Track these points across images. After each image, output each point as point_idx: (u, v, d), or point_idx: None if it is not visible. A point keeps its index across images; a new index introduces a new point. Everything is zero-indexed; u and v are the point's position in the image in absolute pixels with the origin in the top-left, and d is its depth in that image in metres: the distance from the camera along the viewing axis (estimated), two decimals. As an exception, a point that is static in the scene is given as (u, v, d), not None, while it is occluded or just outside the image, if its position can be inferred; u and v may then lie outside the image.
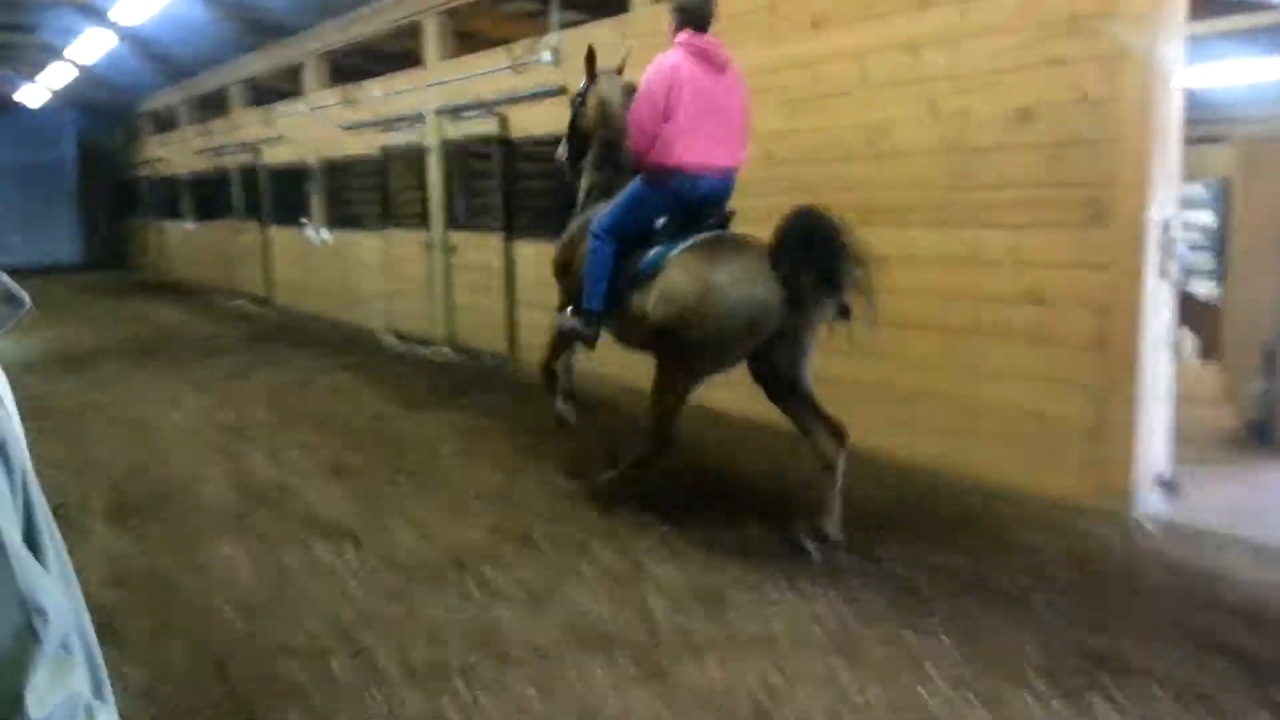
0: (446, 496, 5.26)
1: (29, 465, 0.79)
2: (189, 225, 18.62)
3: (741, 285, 4.28)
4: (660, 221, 4.82)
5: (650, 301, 4.57)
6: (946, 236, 5.35)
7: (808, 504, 4.55)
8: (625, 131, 4.96)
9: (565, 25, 8.30)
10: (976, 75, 5.14)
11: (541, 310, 7.78)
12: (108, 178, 23.16)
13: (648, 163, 4.70)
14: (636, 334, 4.83)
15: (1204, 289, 7.05)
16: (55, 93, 20.47)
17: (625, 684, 3.28)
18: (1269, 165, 6.21)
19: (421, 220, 10.50)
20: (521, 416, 6.78)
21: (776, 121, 6.24)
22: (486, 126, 9.18)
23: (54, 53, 16.50)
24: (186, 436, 6.74)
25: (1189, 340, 6.72)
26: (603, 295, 4.82)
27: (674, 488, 5.22)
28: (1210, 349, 6.77)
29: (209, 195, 17.12)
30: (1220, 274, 6.28)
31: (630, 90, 5.13)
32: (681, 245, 4.55)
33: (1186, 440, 5.02)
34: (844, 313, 4.24)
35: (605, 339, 5.11)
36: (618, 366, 6.34)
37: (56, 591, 0.74)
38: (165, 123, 19.93)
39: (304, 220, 13.30)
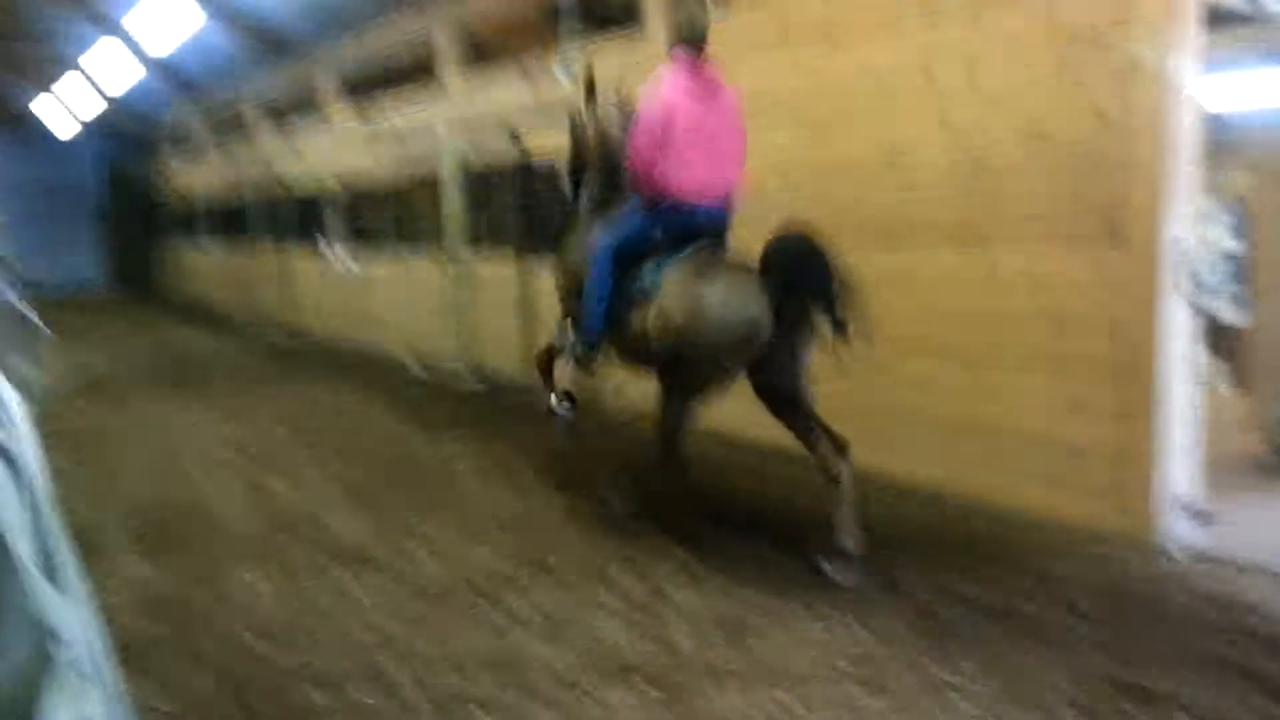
0: (466, 521, 5.27)
1: (46, 490, 0.80)
2: (211, 248, 18.81)
3: (732, 303, 4.40)
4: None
5: (647, 321, 4.71)
6: (963, 257, 5.33)
7: (827, 528, 4.53)
8: (622, 154, 5.11)
9: (581, 43, 8.33)
10: (991, 93, 5.13)
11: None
12: (131, 202, 23.43)
13: (647, 191, 4.83)
14: (635, 352, 4.98)
15: (1230, 313, 6.99)
16: (85, 123, 20.72)
17: (645, 711, 3.27)
18: (1292, 187, 6.17)
19: (440, 242, 10.54)
20: (541, 440, 6.78)
21: (791, 140, 6.26)
22: (506, 146, 9.22)
23: (66, 63, 16.66)
24: (209, 462, 6.78)
25: (1217, 366, 6.66)
26: (602, 316, 4.96)
27: (695, 514, 5.21)
28: (1239, 375, 6.71)
29: (231, 219, 17.31)
30: (1246, 298, 6.21)
31: (628, 113, 5.26)
32: (675, 265, 4.68)
33: (1213, 466, 4.97)
34: (840, 331, 4.29)
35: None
36: (640, 394, 6.34)
37: (70, 615, 0.75)
38: (188, 147, 20.16)
39: (325, 246, 13.41)
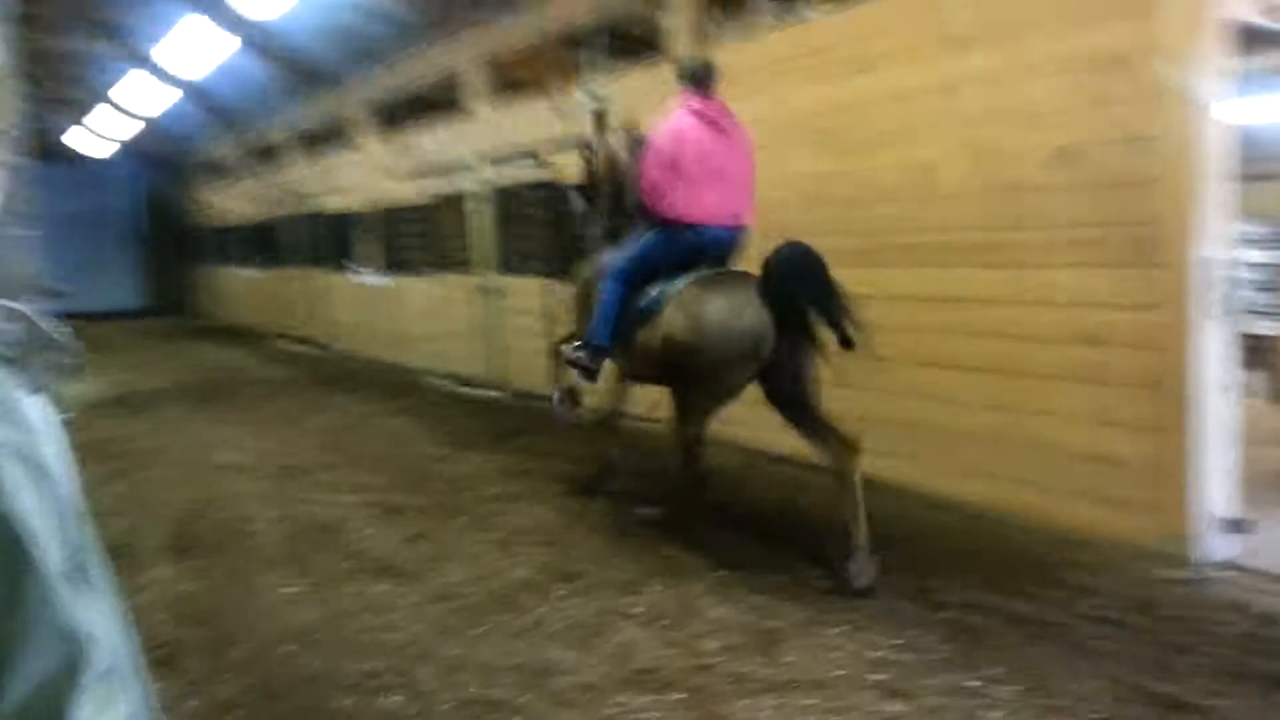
0: (497, 535, 5.29)
1: (76, 499, 0.82)
2: (246, 271, 19.07)
3: (733, 315, 4.60)
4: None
5: (654, 337, 4.91)
6: (995, 277, 5.32)
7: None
8: (631, 183, 5.34)
9: (607, 73, 8.42)
10: (1020, 115, 5.14)
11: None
12: (168, 226, 23.82)
13: (657, 216, 5.04)
14: (644, 368, 5.18)
15: (1269, 329, 6.91)
16: (121, 144, 21.14)
17: (671, 718, 3.26)
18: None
19: (470, 265, 10.67)
20: (571, 457, 6.80)
21: (820, 163, 6.29)
22: (531, 172, 9.32)
23: (108, 102, 17.04)
24: (245, 477, 6.85)
25: (1252, 379, 6.58)
26: (609, 334, 5.16)
27: (728, 529, 5.21)
28: (1274, 388, 6.63)
29: (265, 242, 17.55)
30: (1280, 312, 6.16)
31: (636, 144, 5.46)
32: (680, 283, 4.87)
33: (1248, 480, 4.90)
34: (845, 344, 4.40)
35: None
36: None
37: (100, 621, 0.76)
38: (223, 172, 20.48)
39: (355, 266, 13.57)
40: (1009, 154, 5.21)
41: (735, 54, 7.00)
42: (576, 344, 5.41)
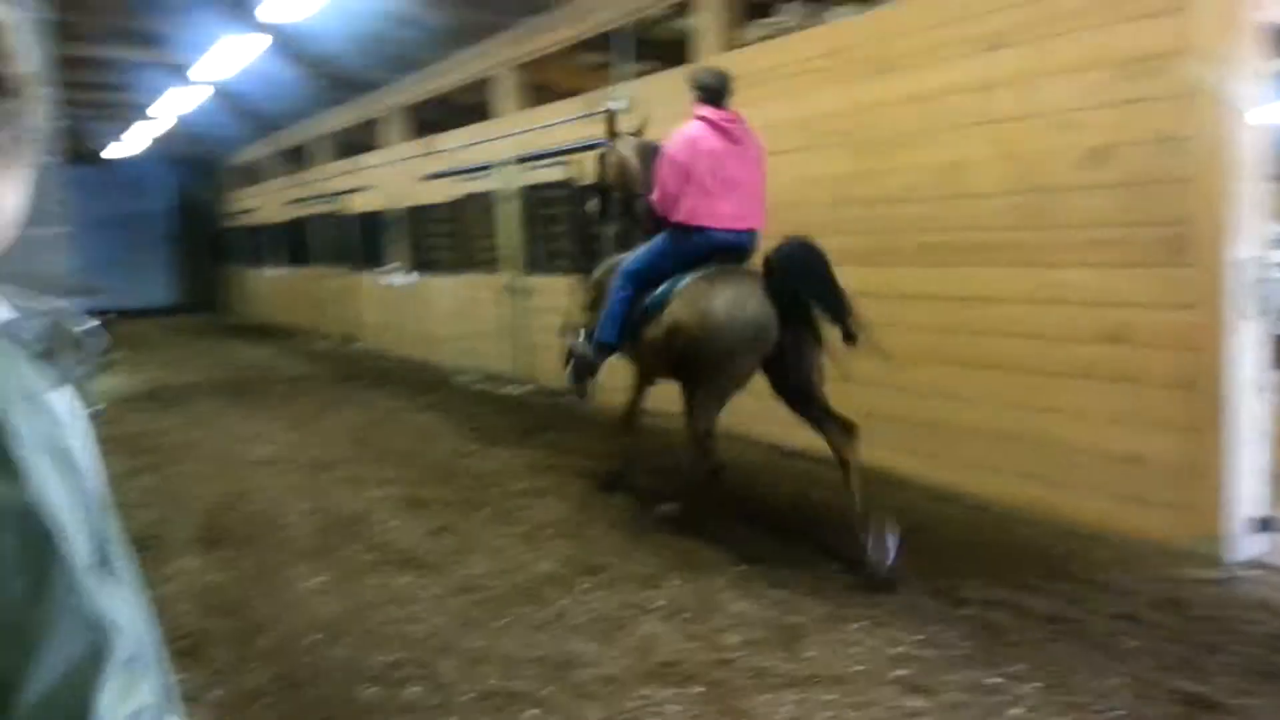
0: (521, 529, 5.32)
1: (102, 491, 0.83)
2: (277, 271, 19.25)
3: (738, 306, 4.75)
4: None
5: (661, 330, 5.06)
6: (1025, 277, 5.29)
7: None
8: (641, 188, 5.53)
9: (635, 76, 8.44)
10: (1050, 115, 5.11)
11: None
12: (200, 226, 24.12)
13: (670, 221, 5.19)
14: (652, 363, 5.37)
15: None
16: (151, 143, 21.38)
17: (692, 711, 3.27)
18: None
19: (497, 264, 10.73)
20: (596, 452, 6.82)
21: (846, 164, 6.28)
22: (559, 174, 9.36)
23: (141, 110, 17.29)
24: (273, 471, 6.92)
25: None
26: (616, 331, 5.34)
27: (748, 523, 5.22)
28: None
29: (296, 242, 17.72)
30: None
31: (645, 150, 5.66)
32: (686, 278, 5.03)
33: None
34: (848, 339, 4.55)
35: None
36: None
37: (123, 610, 0.77)
38: (255, 174, 20.70)
39: (386, 266, 13.68)
40: (1039, 154, 5.18)
41: (762, 55, 7.01)
42: (582, 337, 5.61)
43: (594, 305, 5.73)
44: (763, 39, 7.15)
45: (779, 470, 6.32)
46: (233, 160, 21.69)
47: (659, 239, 5.30)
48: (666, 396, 5.43)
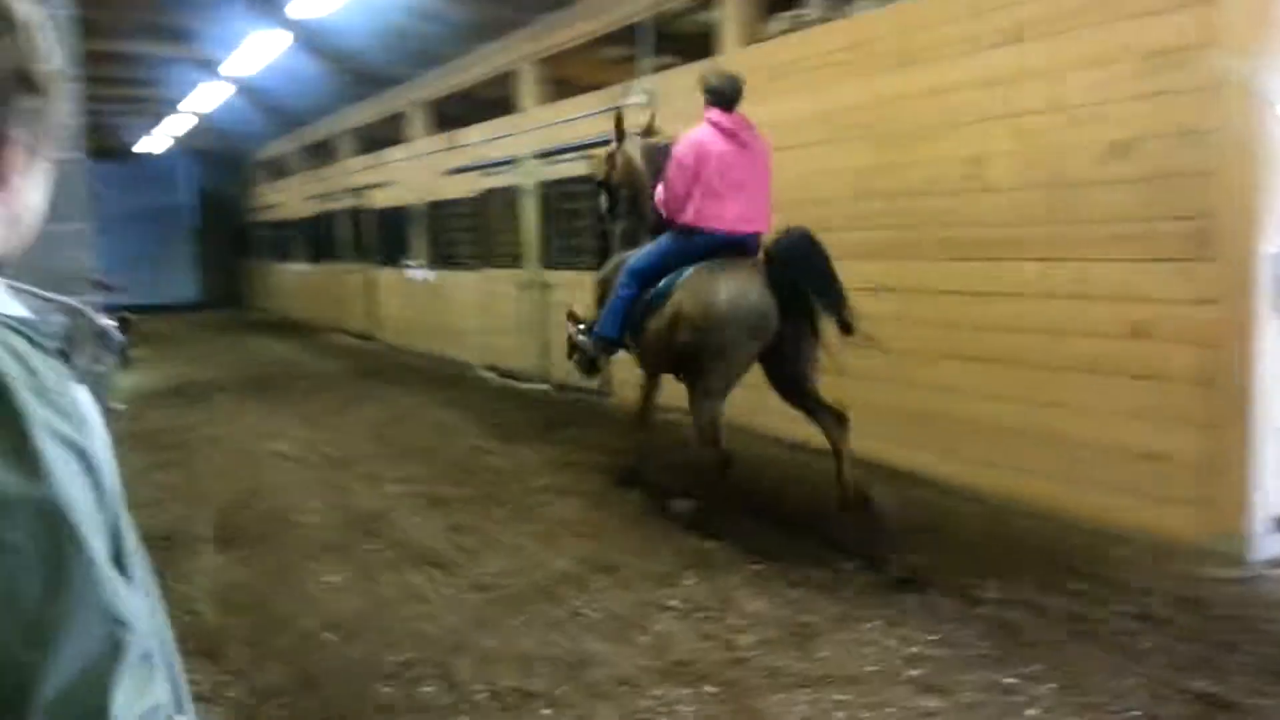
0: (538, 527, 5.33)
1: (118, 487, 0.84)
2: (300, 266, 19.38)
3: (740, 297, 4.86)
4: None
5: (664, 323, 5.19)
6: (1047, 271, 5.24)
7: (903, 542, 4.48)
8: (647, 187, 5.67)
9: (656, 69, 8.41)
10: (1075, 108, 5.05)
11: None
12: (224, 222, 24.31)
13: (677, 225, 5.30)
14: (656, 355, 5.48)
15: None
16: (176, 139, 21.58)
17: (706, 711, 3.27)
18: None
19: (518, 259, 10.75)
20: (614, 450, 6.82)
21: (868, 157, 6.24)
22: (580, 169, 9.34)
23: (171, 105, 17.46)
24: (292, 467, 6.97)
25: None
26: (617, 326, 5.49)
27: (764, 521, 5.21)
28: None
29: (319, 237, 17.82)
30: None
31: (651, 150, 5.79)
32: (688, 270, 5.15)
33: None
34: (845, 330, 4.72)
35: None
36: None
37: (139, 606, 0.78)
38: (278, 170, 20.83)
39: (408, 261, 13.73)
40: (1061, 148, 5.13)
41: (783, 49, 6.97)
42: (583, 329, 5.76)
43: (601, 301, 5.81)
44: (784, 32, 7.11)
45: (796, 467, 6.30)
46: (257, 155, 21.85)
47: (664, 238, 5.41)
48: (679, 393, 5.43)
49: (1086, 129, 4.99)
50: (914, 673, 3.49)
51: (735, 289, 4.87)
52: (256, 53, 12.79)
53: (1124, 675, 3.41)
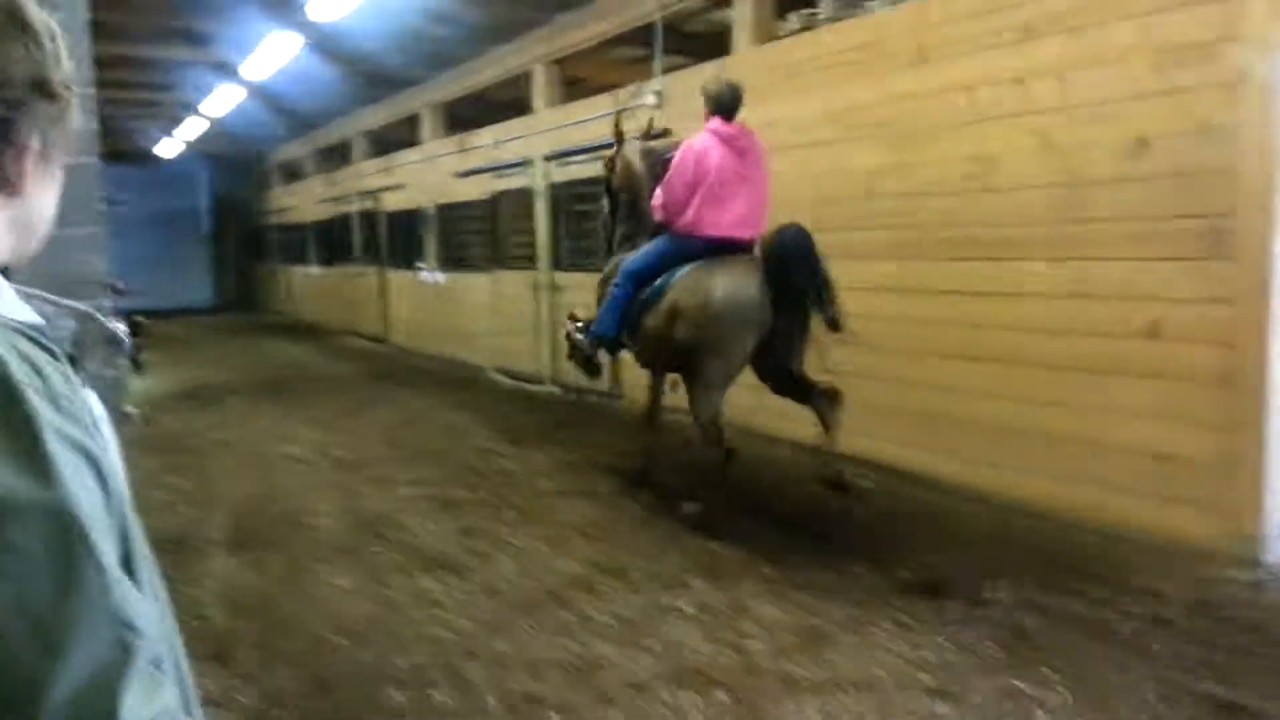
0: (548, 530, 5.32)
1: (127, 493, 0.84)
2: (313, 269, 19.45)
3: (736, 290, 4.95)
4: None
5: (661, 319, 5.30)
6: (1062, 271, 5.21)
7: (913, 544, 4.45)
8: (645, 191, 5.78)
9: (669, 70, 8.41)
10: (1089, 106, 5.02)
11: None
12: (238, 225, 24.43)
13: (675, 230, 5.43)
14: (654, 352, 5.60)
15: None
16: (189, 144, 21.71)
17: (718, 717, 3.25)
18: None
19: (529, 261, 10.76)
20: (624, 452, 6.81)
21: (879, 157, 6.21)
22: (592, 170, 9.34)
23: (189, 109, 17.57)
24: (303, 470, 6.98)
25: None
26: (614, 324, 5.63)
27: (777, 525, 5.19)
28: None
29: (332, 240, 17.89)
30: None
31: (650, 154, 5.95)
32: (685, 268, 5.28)
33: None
34: (832, 325, 4.81)
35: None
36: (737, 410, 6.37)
37: (148, 610, 0.78)
38: (291, 173, 20.92)
39: (420, 264, 13.76)
40: (1077, 146, 5.09)
41: (797, 47, 6.96)
42: (581, 328, 5.89)
43: (601, 302, 5.90)
44: (798, 31, 7.10)
45: (805, 469, 6.27)
46: (271, 159, 21.94)
47: (659, 240, 5.56)
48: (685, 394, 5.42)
49: (1102, 126, 4.95)
50: (925, 677, 3.47)
51: (731, 284, 4.98)
52: (270, 56, 12.85)
53: (1136, 678, 3.38)
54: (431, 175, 13.21)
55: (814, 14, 7.00)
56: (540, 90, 10.49)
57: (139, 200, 21.60)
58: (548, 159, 10.20)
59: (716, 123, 5.34)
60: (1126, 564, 4.46)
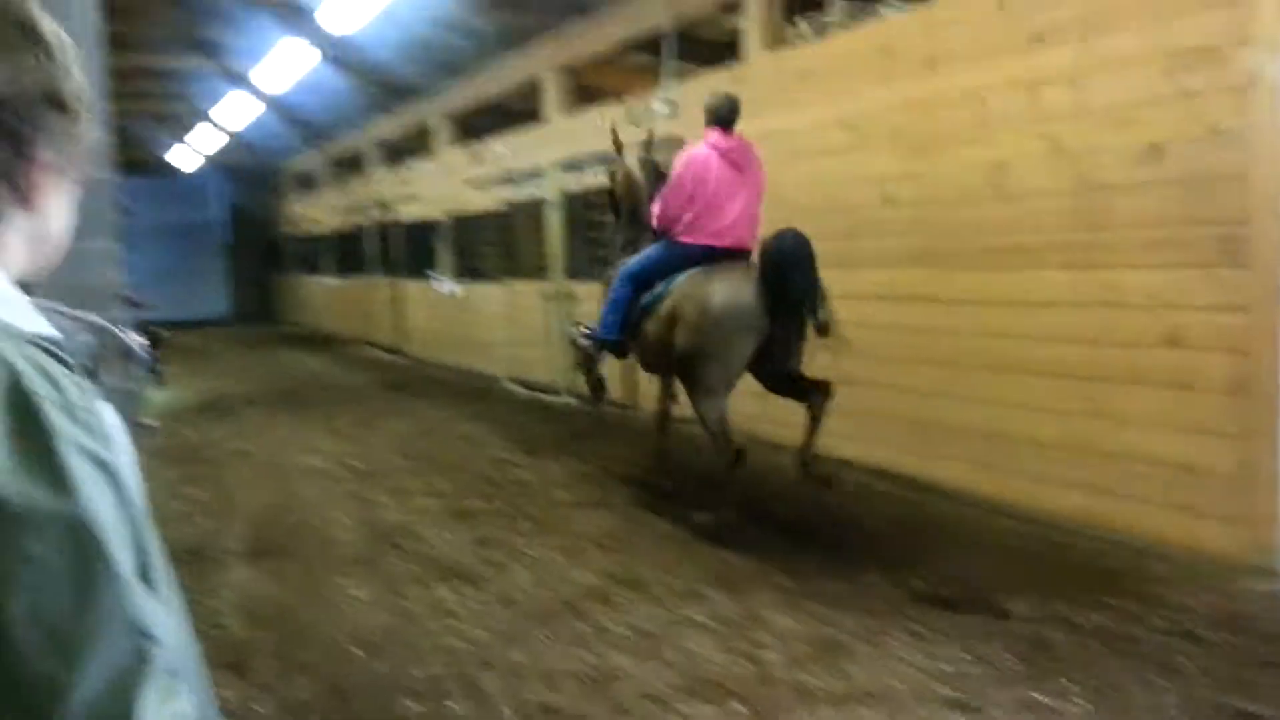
0: (564, 540, 5.32)
1: (143, 503, 0.85)
2: (329, 280, 19.55)
3: (734, 295, 5.06)
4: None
5: (662, 324, 5.44)
6: (1076, 278, 5.17)
7: (927, 554, 4.43)
8: (645, 200, 6.00)
9: (681, 77, 8.42)
10: (1102, 111, 4.99)
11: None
12: (255, 236, 24.58)
13: (672, 237, 5.57)
14: (656, 357, 5.73)
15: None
16: (208, 157, 21.89)
17: (735, 730, 3.24)
18: None
19: (543, 271, 10.78)
20: (639, 463, 6.81)
21: (892, 164, 6.20)
22: (602, 179, 9.36)
23: (200, 115, 17.72)
24: (320, 481, 7.01)
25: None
26: (615, 326, 5.77)
27: (792, 535, 5.18)
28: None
29: (347, 251, 17.98)
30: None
31: (648, 165, 6.19)
32: (682, 276, 5.40)
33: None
34: (821, 330, 4.94)
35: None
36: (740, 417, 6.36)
37: (164, 619, 0.78)
38: (307, 184, 21.04)
39: (433, 274, 13.81)
40: (1090, 152, 5.06)
41: (808, 54, 6.96)
42: (585, 331, 6.02)
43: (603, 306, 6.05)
44: (809, 37, 7.10)
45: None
46: (286, 170, 22.08)
47: (657, 246, 5.72)
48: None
49: (1116, 132, 4.92)
50: (944, 690, 3.44)
51: (729, 291, 5.09)
52: (286, 68, 12.96)
53: (1160, 693, 3.35)
54: (445, 185, 13.26)
55: (825, 20, 7.00)
56: (552, 99, 10.52)
57: (157, 213, 21.78)
58: (560, 169, 10.21)
59: (715, 135, 5.48)
60: (1150, 576, 4.42)
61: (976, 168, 5.67)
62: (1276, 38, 4.27)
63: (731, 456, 5.19)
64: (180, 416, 9.92)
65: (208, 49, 12.95)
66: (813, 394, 5.22)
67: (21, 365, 0.75)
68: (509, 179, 11.38)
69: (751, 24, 7.50)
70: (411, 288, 15.02)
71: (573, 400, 9.99)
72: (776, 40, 7.34)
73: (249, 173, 23.42)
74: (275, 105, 15.88)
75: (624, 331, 5.79)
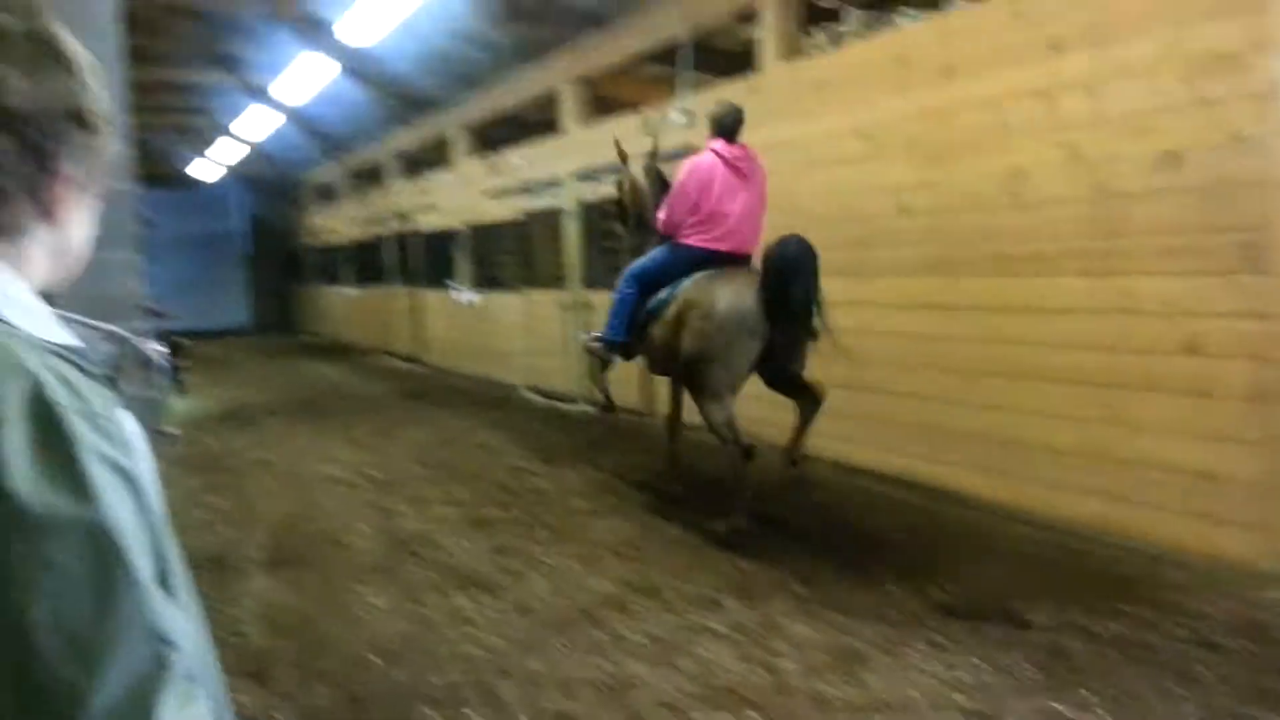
0: (581, 548, 5.33)
1: (162, 511, 0.86)
2: (348, 290, 19.66)
3: (739, 299, 5.16)
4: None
5: (668, 328, 5.57)
6: (1094, 286, 5.16)
7: (945, 563, 4.41)
8: (650, 208, 6.16)
9: (697, 87, 8.44)
10: (1120, 119, 4.98)
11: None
12: (275, 247, 24.76)
13: (678, 241, 5.71)
14: (662, 360, 5.84)
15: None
16: (228, 168, 22.07)
17: (754, 742, 3.24)
18: None
19: (561, 280, 10.81)
20: (656, 471, 6.81)
21: (909, 172, 6.19)
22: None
23: (221, 129, 17.88)
24: (340, 489, 7.04)
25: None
26: (622, 328, 5.93)
27: (809, 543, 5.16)
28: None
29: (366, 261, 18.09)
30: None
31: (652, 174, 6.36)
32: (687, 280, 5.53)
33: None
34: (812, 334, 5.13)
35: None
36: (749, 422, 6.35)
37: (182, 625, 0.80)
38: (326, 195, 21.17)
39: (452, 283, 13.88)
40: (1108, 159, 5.05)
41: (824, 64, 6.97)
42: (596, 337, 6.14)
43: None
44: (825, 47, 7.11)
45: (839, 488, 6.25)
46: (306, 181, 22.24)
47: (661, 249, 5.86)
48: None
49: (1134, 139, 4.91)
50: (960, 698, 3.43)
51: (733, 295, 5.20)
52: (305, 81, 13.06)
53: (1179, 702, 3.32)
54: (463, 196, 13.33)
55: (840, 30, 7.00)
56: (569, 110, 10.57)
57: (178, 224, 21.99)
58: (577, 179, 10.25)
59: (719, 143, 5.61)
60: (1170, 585, 4.39)
61: (993, 176, 5.66)
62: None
63: (742, 454, 5.21)
64: (202, 425, 9.99)
65: (228, 63, 13.07)
66: (805, 397, 5.41)
67: (44, 375, 0.76)
68: (526, 189, 11.43)
69: (767, 34, 7.52)
70: (430, 297, 15.10)
71: (590, 409, 10.00)
72: (792, 50, 7.36)
73: (269, 184, 23.62)
74: (295, 117, 16.00)
75: (630, 332, 5.93)
